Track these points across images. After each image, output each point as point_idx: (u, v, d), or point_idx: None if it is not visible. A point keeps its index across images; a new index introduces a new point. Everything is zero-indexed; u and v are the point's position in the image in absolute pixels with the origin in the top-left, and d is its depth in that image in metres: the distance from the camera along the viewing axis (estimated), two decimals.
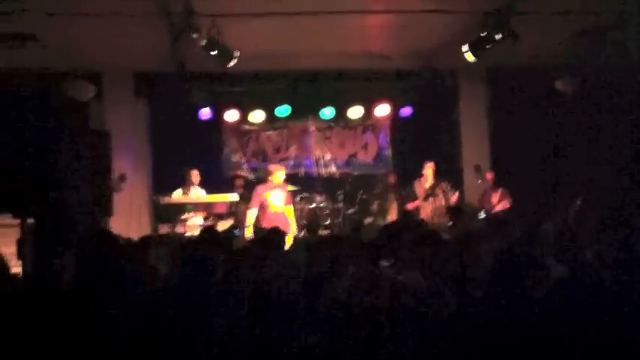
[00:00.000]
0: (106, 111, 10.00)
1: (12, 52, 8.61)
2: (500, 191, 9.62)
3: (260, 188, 8.84)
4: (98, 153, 8.75)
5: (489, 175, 9.87)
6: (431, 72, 10.34)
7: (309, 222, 9.29)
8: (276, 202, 8.73)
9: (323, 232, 8.87)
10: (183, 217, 8.43)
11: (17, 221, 5.63)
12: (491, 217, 9.22)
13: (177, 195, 8.86)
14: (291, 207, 8.88)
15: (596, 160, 10.21)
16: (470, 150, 10.58)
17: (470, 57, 8.68)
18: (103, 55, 9.22)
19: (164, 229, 8.64)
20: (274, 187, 8.77)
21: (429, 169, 9.48)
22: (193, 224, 8.47)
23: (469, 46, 8.54)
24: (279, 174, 8.86)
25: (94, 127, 9.68)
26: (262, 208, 8.68)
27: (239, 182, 10.15)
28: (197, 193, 9.03)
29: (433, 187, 9.35)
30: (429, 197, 9.34)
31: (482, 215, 9.51)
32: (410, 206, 9.58)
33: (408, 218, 9.03)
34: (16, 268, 5.21)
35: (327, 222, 9.68)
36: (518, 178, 10.07)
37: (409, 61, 10.00)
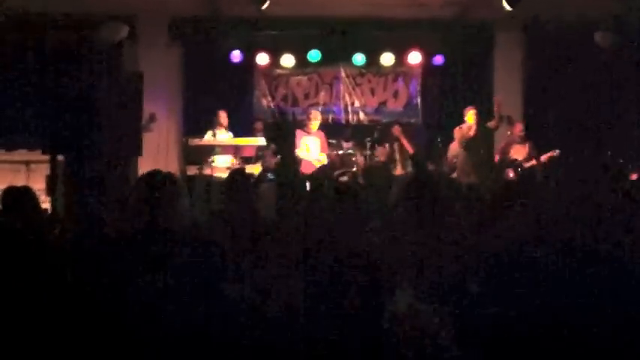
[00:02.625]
0: (140, 53, 10.11)
1: None
2: (528, 145, 9.28)
3: (298, 132, 8.97)
4: (130, 93, 8.89)
5: (518, 127, 9.43)
6: (466, 21, 10.18)
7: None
8: (313, 148, 8.91)
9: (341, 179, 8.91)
10: (211, 159, 8.55)
11: (47, 157, 5.76)
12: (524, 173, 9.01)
13: (208, 137, 8.99)
14: (324, 155, 9.10)
15: (631, 118, 10.01)
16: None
17: (506, 6, 8.52)
18: None
19: (192, 170, 8.79)
20: (311, 133, 8.96)
21: (471, 116, 8.80)
22: (220, 167, 8.59)
23: None
24: (317, 120, 9.03)
25: (128, 69, 9.81)
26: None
27: (258, 126, 10.18)
28: (224, 136, 9.15)
29: (476, 134, 8.71)
30: (469, 147, 8.75)
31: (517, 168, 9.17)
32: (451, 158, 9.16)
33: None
34: (45, 204, 5.36)
35: (354, 169, 9.69)
36: (549, 133, 9.96)
37: (444, 9, 9.83)
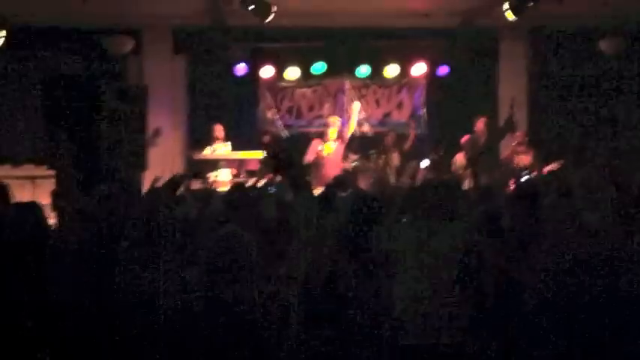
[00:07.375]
0: (144, 66, 10.16)
1: (54, 8, 8.75)
2: (532, 154, 9.08)
3: (316, 142, 9.12)
4: (135, 107, 8.92)
5: (520, 135, 9.22)
6: (470, 31, 10.17)
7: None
8: (333, 157, 8.94)
9: None
10: (214, 173, 8.54)
11: (52, 173, 5.77)
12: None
13: (207, 151, 8.99)
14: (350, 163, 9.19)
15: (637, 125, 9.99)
16: (507, 111, 10.37)
17: (510, 15, 8.54)
18: (143, 11, 9.33)
19: (196, 184, 8.76)
20: (330, 141, 9.01)
21: (480, 125, 9.05)
22: (223, 180, 8.57)
23: (510, 5, 8.40)
24: (335, 128, 9.07)
25: (132, 82, 9.85)
26: (319, 162, 8.91)
27: (266, 138, 10.14)
28: (223, 149, 9.15)
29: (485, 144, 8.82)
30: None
31: (525, 176, 9.07)
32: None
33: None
34: (52, 219, 5.33)
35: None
36: (555, 141, 9.93)
37: (448, 19, 9.86)
